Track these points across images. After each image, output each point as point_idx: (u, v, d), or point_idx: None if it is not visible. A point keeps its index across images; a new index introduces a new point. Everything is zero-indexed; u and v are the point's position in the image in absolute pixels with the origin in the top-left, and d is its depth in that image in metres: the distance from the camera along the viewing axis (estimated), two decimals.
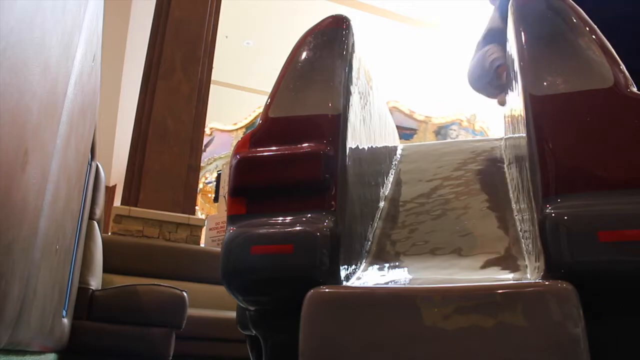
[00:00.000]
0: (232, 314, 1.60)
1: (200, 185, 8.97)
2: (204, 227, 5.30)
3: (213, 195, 7.81)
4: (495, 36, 1.83)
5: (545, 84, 1.23)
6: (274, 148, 1.34)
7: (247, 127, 8.74)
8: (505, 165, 1.91)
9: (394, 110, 8.03)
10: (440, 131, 8.64)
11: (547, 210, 1.10)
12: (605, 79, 1.19)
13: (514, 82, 1.47)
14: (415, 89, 9.00)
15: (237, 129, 8.83)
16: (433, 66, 8.66)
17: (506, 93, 1.68)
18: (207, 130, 8.69)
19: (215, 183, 7.40)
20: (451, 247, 1.53)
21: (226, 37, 7.10)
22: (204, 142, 6.68)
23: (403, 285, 1.18)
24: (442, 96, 8.73)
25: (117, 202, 7.57)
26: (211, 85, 5.08)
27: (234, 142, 8.77)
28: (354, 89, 1.48)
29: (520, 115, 1.35)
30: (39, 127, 1.17)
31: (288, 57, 1.48)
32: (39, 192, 1.26)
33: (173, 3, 4.96)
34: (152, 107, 4.69)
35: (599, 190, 1.11)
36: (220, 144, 8.84)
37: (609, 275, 1.06)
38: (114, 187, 9.20)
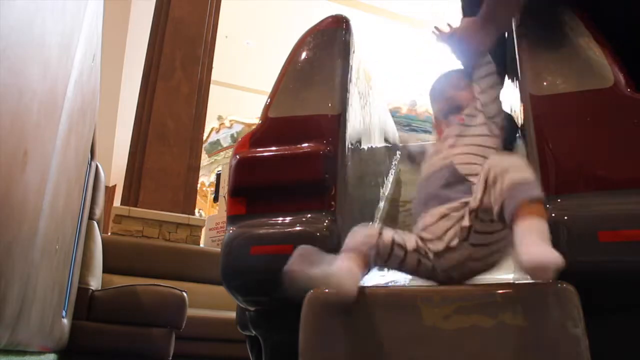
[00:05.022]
0: (232, 314, 1.60)
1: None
2: (204, 227, 5.30)
3: None
4: None
5: (545, 84, 1.23)
6: (273, 148, 1.34)
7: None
8: None
9: None
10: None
11: (547, 211, 1.10)
12: (605, 79, 1.19)
13: (513, 81, 1.47)
14: (416, 87, 8.99)
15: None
16: (432, 65, 8.64)
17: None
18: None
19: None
20: None
21: (226, 37, 7.10)
22: None
23: (403, 285, 1.18)
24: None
25: (117, 202, 7.58)
26: (211, 85, 5.09)
27: None
28: (353, 89, 1.48)
29: (520, 115, 1.35)
30: (39, 127, 1.17)
31: (288, 57, 1.48)
32: (39, 192, 1.26)
33: (173, 3, 4.96)
34: (152, 107, 4.69)
35: (599, 190, 1.11)
36: None
37: (609, 275, 1.06)
38: (114, 187, 9.19)
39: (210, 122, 8.92)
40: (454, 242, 1.12)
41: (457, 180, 1.19)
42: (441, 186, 1.20)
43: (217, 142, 9.06)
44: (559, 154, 1.15)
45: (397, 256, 1.14)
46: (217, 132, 9.11)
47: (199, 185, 8.78)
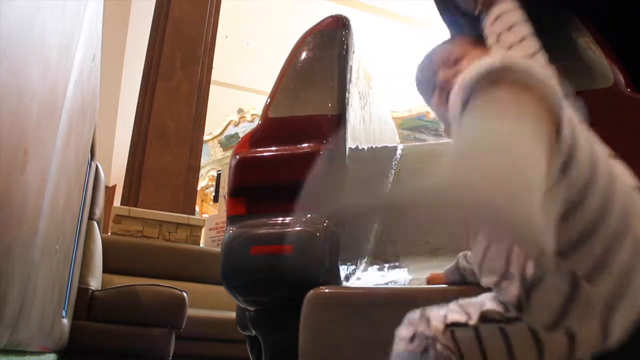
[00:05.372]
0: (232, 314, 1.60)
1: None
2: (204, 227, 5.30)
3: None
4: None
5: None
6: (273, 148, 1.34)
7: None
8: None
9: None
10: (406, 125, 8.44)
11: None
12: (605, 79, 1.19)
13: None
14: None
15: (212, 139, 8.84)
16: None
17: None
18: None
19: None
20: (451, 247, 1.53)
21: (226, 37, 7.10)
22: None
23: (403, 285, 1.18)
24: (392, 87, 8.62)
25: (117, 202, 7.58)
26: (211, 85, 5.09)
27: (210, 152, 8.78)
28: (353, 89, 1.48)
29: None
30: (39, 127, 1.17)
31: (288, 57, 1.48)
32: (39, 192, 1.26)
33: (173, 3, 4.95)
34: (152, 107, 4.69)
35: None
36: None
37: None
38: (114, 187, 9.19)
39: (230, 115, 8.82)
40: (530, 271, 0.65)
41: None
42: None
43: (234, 136, 8.80)
44: None
45: (465, 334, 0.70)
46: (236, 125, 8.77)
47: (207, 180, 8.75)
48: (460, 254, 1.02)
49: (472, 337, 0.69)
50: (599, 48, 1.24)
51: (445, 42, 1.02)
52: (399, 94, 8.24)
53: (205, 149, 8.84)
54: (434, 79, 0.96)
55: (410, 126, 8.46)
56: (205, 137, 8.89)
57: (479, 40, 0.96)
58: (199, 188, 9.03)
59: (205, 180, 8.88)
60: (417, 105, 8.34)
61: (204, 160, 8.83)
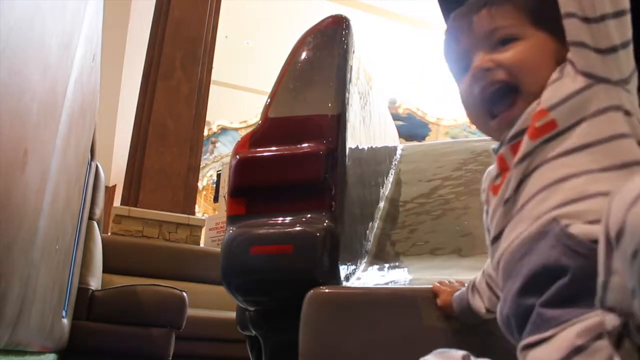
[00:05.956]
0: (232, 314, 1.60)
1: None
2: (204, 227, 5.30)
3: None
4: None
5: None
6: (273, 148, 1.34)
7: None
8: None
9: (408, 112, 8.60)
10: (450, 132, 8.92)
11: None
12: None
13: None
14: (415, 89, 9.02)
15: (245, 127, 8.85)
16: (433, 67, 8.68)
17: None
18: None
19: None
20: (451, 247, 1.53)
21: (226, 37, 7.10)
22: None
23: (403, 285, 1.18)
24: (443, 97, 8.79)
25: (117, 202, 7.58)
26: (211, 85, 5.09)
27: None
28: (353, 89, 1.48)
29: None
30: (39, 127, 1.17)
31: (288, 57, 1.48)
32: (39, 192, 1.26)
33: (173, 3, 4.96)
34: (152, 107, 4.69)
35: None
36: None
37: None
38: (114, 187, 9.19)
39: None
40: None
41: (571, 262, 0.54)
42: (534, 289, 0.57)
43: None
44: None
45: None
46: None
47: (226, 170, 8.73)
48: (471, 283, 0.88)
49: None
50: None
51: (491, 2, 0.68)
52: (447, 104, 8.51)
53: (235, 137, 8.81)
54: (468, 57, 0.69)
55: (455, 134, 8.83)
56: (238, 125, 8.88)
57: (541, 12, 0.65)
58: (215, 177, 9.03)
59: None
60: (462, 115, 8.58)
61: (229, 150, 8.81)
